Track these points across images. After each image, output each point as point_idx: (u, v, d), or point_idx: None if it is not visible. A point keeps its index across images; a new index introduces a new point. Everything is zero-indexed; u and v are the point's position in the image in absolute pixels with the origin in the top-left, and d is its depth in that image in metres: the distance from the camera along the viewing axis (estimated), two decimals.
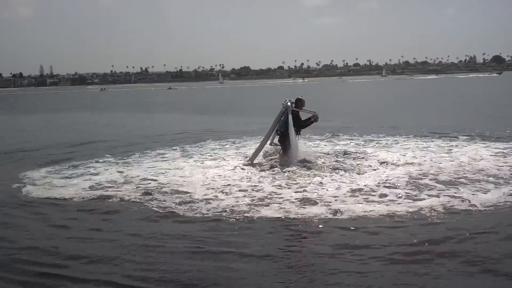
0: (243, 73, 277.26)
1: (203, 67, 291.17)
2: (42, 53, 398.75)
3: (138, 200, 8.01)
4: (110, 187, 9.06)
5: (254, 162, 10.76)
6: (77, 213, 7.52)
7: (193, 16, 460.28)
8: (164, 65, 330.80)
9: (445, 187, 8.27)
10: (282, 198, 7.89)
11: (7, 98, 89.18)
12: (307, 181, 8.90)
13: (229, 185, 8.90)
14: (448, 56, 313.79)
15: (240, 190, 8.47)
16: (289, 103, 10.72)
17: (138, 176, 9.87)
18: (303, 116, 11.15)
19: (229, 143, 14.44)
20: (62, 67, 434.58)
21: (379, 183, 8.63)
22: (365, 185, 8.48)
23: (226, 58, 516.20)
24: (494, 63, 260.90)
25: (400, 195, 7.78)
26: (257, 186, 8.76)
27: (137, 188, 8.87)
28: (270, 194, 8.14)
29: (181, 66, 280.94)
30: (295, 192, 8.21)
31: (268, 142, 11.01)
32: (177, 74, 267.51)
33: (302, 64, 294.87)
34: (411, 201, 7.47)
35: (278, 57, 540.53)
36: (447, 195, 7.68)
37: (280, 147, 10.91)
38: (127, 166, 11.18)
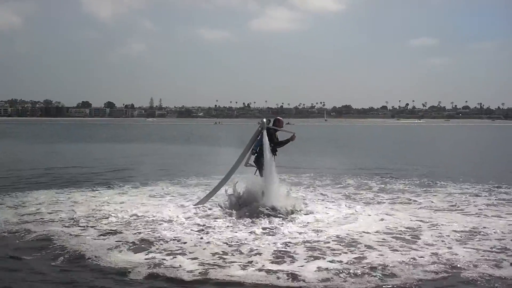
0: (344, 112, 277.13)
1: (303, 104, 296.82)
2: (152, 86, 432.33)
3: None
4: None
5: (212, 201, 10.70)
6: None
7: (295, 54, 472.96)
8: (266, 101, 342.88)
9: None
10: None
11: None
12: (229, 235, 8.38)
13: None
14: None
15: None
16: (265, 120, 10.47)
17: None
18: (281, 136, 10.81)
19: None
20: (170, 100, 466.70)
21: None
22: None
23: (327, 96, 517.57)
24: None
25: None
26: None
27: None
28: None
29: (282, 103, 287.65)
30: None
31: (243, 162, 10.59)
32: (277, 110, 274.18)
33: (407, 104, 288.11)
34: None
35: (381, 96, 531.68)
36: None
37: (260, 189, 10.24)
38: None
